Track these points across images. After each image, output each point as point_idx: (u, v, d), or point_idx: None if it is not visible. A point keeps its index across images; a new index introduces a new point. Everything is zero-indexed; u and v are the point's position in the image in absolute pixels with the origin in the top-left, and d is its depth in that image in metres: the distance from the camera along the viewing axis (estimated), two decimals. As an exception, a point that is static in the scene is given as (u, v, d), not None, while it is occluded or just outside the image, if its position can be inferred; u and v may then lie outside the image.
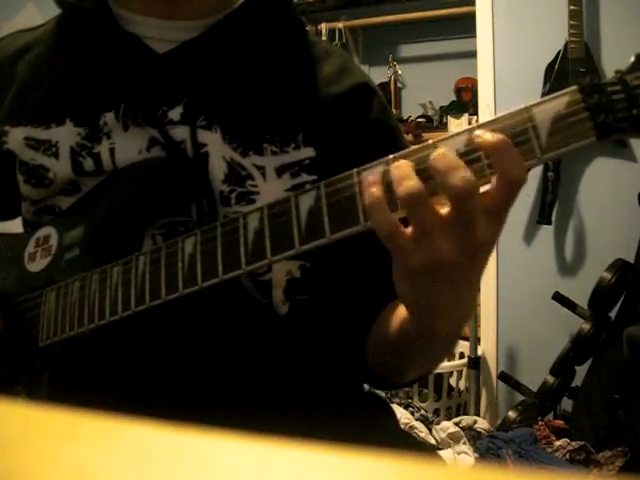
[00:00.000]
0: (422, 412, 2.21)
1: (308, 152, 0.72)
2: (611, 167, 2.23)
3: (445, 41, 2.87)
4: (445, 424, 2.06)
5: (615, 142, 2.14)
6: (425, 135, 2.59)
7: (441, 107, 2.82)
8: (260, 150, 0.71)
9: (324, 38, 2.71)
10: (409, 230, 0.50)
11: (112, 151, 0.71)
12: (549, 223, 2.27)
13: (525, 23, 2.32)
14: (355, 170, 0.54)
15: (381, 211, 0.50)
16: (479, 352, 2.33)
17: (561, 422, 2.06)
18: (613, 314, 2.09)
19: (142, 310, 0.63)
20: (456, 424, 2.08)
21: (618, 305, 2.07)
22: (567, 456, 1.86)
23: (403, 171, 0.50)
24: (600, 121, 0.48)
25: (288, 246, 0.56)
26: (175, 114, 0.71)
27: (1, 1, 2.90)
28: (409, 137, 2.58)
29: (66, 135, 0.72)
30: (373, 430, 0.75)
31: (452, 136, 0.51)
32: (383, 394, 1.97)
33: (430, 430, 2.06)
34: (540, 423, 2.01)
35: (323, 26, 2.77)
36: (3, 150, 0.75)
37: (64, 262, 0.70)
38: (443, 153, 0.49)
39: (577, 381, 2.14)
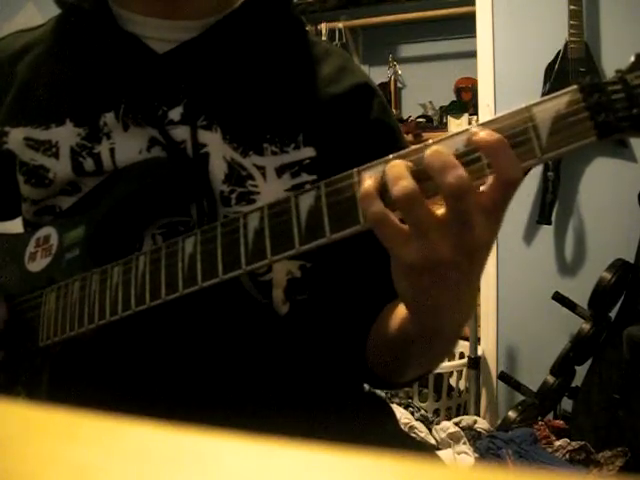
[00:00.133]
0: (422, 412, 2.21)
1: (308, 152, 0.72)
2: (611, 167, 2.23)
3: (445, 41, 2.87)
4: (445, 424, 2.06)
5: (615, 142, 2.14)
6: (425, 135, 2.59)
7: (441, 107, 2.82)
8: (260, 150, 0.71)
9: (324, 38, 2.71)
10: (405, 225, 0.51)
11: (112, 151, 0.71)
12: (549, 223, 2.27)
13: (525, 23, 2.32)
14: (355, 170, 0.54)
15: (370, 201, 0.51)
16: (479, 352, 2.33)
17: (561, 422, 2.06)
18: (613, 314, 2.09)
19: (142, 310, 0.63)
20: (456, 424, 2.08)
21: (618, 305, 2.07)
22: (567, 456, 1.86)
23: (397, 171, 0.50)
24: (600, 121, 0.48)
25: (288, 246, 0.56)
26: (175, 114, 0.71)
27: (1, 1, 2.90)
28: (409, 137, 2.58)
29: (66, 135, 0.72)
30: (373, 430, 0.75)
31: (451, 136, 0.51)
32: (383, 394, 1.97)
33: (430, 430, 2.06)
34: (540, 423, 2.01)
35: (323, 26, 2.77)
36: (3, 150, 0.75)
37: (64, 262, 0.70)
38: (437, 151, 0.49)
39: (577, 381, 2.14)
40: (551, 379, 2.13)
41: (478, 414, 2.30)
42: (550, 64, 2.24)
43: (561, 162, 2.23)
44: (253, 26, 0.75)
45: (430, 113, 2.84)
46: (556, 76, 2.20)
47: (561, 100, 0.49)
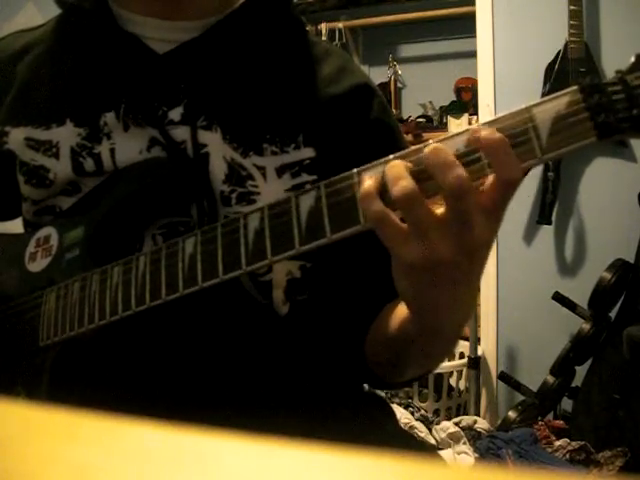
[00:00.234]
0: (422, 412, 2.21)
1: (308, 152, 0.72)
2: (611, 167, 2.23)
3: (445, 41, 2.87)
4: (445, 424, 2.06)
5: (615, 142, 2.14)
6: (425, 135, 2.59)
7: (441, 107, 2.82)
8: (260, 150, 0.71)
9: (324, 38, 2.71)
10: (405, 224, 0.51)
11: (112, 151, 0.71)
12: (549, 223, 2.27)
13: (525, 23, 2.32)
14: (355, 170, 0.54)
15: (370, 201, 0.51)
16: (479, 352, 2.33)
17: (561, 422, 2.06)
18: (613, 314, 2.09)
19: (142, 310, 0.63)
20: (456, 424, 2.08)
21: (618, 305, 2.07)
22: (567, 456, 1.86)
23: (396, 171, 0.50)
24: (600, 121, 0.48)
25: (288, 246, 0.56)
26: (175, 114, 0.71)
27: (1, 1, 2.90)
28: (409, 137, 2.58)
29: (66, 135, 0.72)
30: (373, 430, 0.75)
31: (452, 136, 0.51)
32: (383, 394, 1.97)
33: (430, 430, 2.06)
34: (540, 423, 2.01)
35: (323, 26, 2.77)
36: (3, 150, 0.75)
37: (64, 262, 0.70)
38: (438, 149, 0.49)
39: (577, 381, 2.14)
40: (551, 379, 2.13)
41: (478, 414, 2.30)
42: (550, 64, 2.24)
43: (561, 162, 2.23)
44: (253, 26, 0.75)
45: (430, 113, 2.85)
46: (556, 76, 2.20)
47: (561, 101, 0.49)
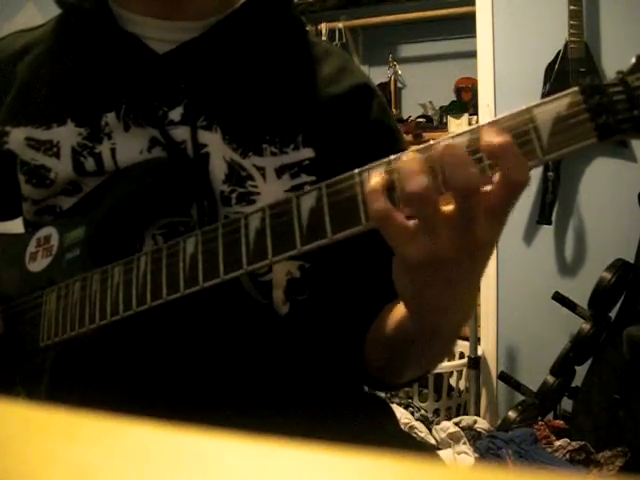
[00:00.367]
0: (422, 412, 2.21)
1: (307, 153, 0.72)
2: (611, 167, 2.23)
3: (445, 41, 2.87)
4: (445, 424, 2.06)
5: (615, 142, 2.14)
6: (425, 135, 2.59)
7: (441, 107, 2.82)
8: (260, 151, 0.71)
9: (324, 38, 2.71)
10: (410, 221, 0.50)
11: (113, 151, 0.71)
12: (549, 223, 2.27)
13: (525, 23, 2.33)
14: (356, 171, 0.54)
15: (376, 199, 0.50)
16: (479, 352, 2.33)
17: (561, 422, 2.06)
18: (613, 314, 2.09)
19: (143, 310, 0.63)
20: (456, 424, 2.08)
21: (618, 305, 2.07)
22: (567, 456, 1.86)
23: (413, 166, 0.49)
24: (601, 122, 0.48)
25: (289, 246, 0.56)
26: (176, 114, 0.71)
27: (1, 1, 2.90)
28: (409, 137, 2.58)
29: (67, 135, 0.72)
30: (373, 430, 0.75)
31: (452, 137, 0.51)
32: (383, 394, 1.97)
33: (430, 430, 2.06)
34: (540, 423, 2.01)
35: (323, 26, 2.77)
36: (4, 150, 0.75)
37: (65, 262, 0.70)
38: (451, 146, 0.49)
39: (577, 381, 2.14)
40: (551, 379, 2.13)
41: (478, 414, 2.30)
42: (550, 64, 2.24)
43: (561, 162, 2.23)
44: (253, 26, 0.75)
45: (430, 113, 2.85)
46: (556, 76, 2.20)
47: (562, 102, 0.49)
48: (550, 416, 2.15)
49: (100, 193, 0.71)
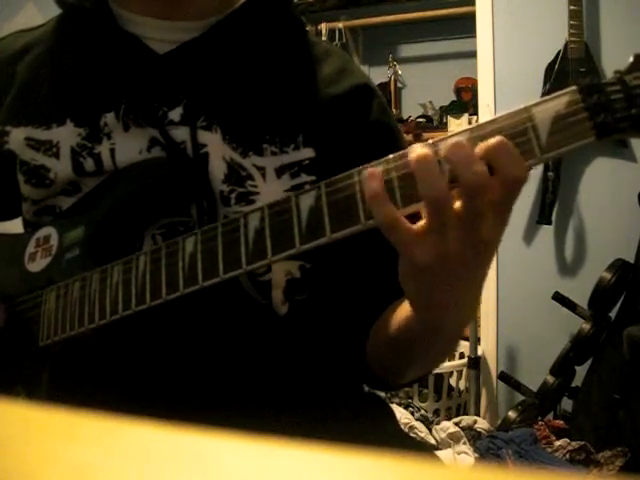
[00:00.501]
0: (422, 412, 2.21)
1: (308, 153, 0.72)
2: (611, 167, 2.23)
3: (445, 41, 2.87)
4: (445, 424, 2.06)
5: (615, 142, 2.14)
6: (425, 135, 2.59)
7: (441, 107, 2.82)
8: (260, 150, 0.71)
9: (324, 38, 2.71)
10: (416, 225, 0.50)
11: (112, 151, 0.71)
12: (549, 223, 2.27)
13: (525, 23, 2.32)
14: (356, 170, 0.54)
15: (381, 203, 0.50)
16: (479, 352, 2.33)
17: (561, 422, 2.06)
18: (613, 314, 2.09)
19: (142, 310, 0.63)
20: (456, 424, 2.08)
21: (618, 305, 2.07)
22: (567, 456, 1.86)
23: (429, 168, 0.49)
24: (599, 121, 0.48)
25: (289, 245, 0.56)
26: (175, 115, 0.71)
27: (1, 1, 2.90)
28: (409, 137, 2.58)
29: (67, 135, 0.72)
30: (373, 430, 0.75)
31: (452, 136, 0.51)
32: (383, 394, 1.97)
33: (430, 430, 2.06)
34: (540, 423, 2.01)
35: (323, 26, 2.77)
36: (4, 150, 0.75)
37: (64, 262, 0.70)
38: (459, 144, 0.49)
39: (577, 381, 2.14)
40: (551, 379, 2.13)
41: (478, 414, 2.30)
42: (550, 64, 2.24)
43: (561, 162, 2.23)
44: (253, 27, 0.75)
45: (430, 113, 2.84)
46: (556, 76, 2.20)
47: (560, 100, 0.50)
48: (550, 416, 2.15)
49: (99, 193, 0.71)
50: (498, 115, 0.51)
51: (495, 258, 2.37)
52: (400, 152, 0.52)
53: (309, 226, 0.55)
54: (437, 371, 2.19)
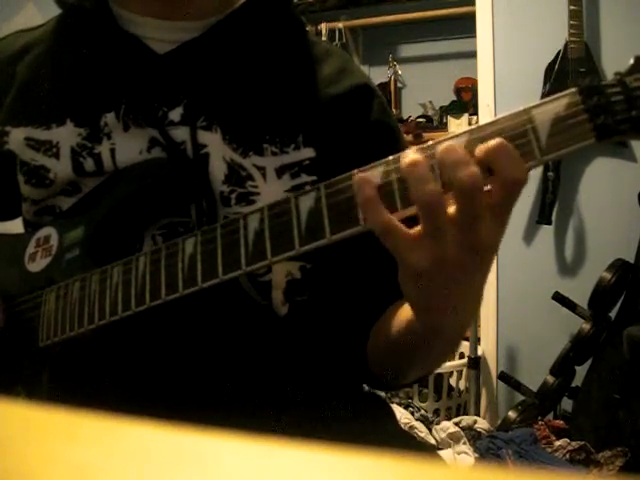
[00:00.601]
0: (422, 412, 2.21)
1: (308, 153, 0.72)
2: (611, 167, 2.23)
3: (445, 41, 2.87)
4: (445, 424, 2.06)
5: (615, 142, 2.14)
6: (425, 135, 2.59)
7: (441, 107, 2.82)
8: (260, 151, 0.71)
9: (324, 38, 2.71)
10: (412, 229, 0.50)
11: (113, 151, 0.71)
12: (549, 223, 2.27)
13: (525, 23, 2.32)
14: (356, 171, 0.54)
15: (374, 210, 0.50)
16: (479, 352, 2.33)
17: (561, 422, 2.06)
18: (613, 314, 2.09)
19: (142, 310, 0.63)
20: (456, 424, 2.08)
21: (618, 305, 2.07)
22: (567, 456, 1.86)
23: (421, 172, 0.49)
24: (599, 123, 0.48)
25: (288, 247, 0.56)
26: (175, 115, 0.71)
27: (1, 1, 2.90)
28: (409, 137, 2.58)
29: (67, 135, 0.72)
30: (373, 430, 0.75)
31: (452, 137, 0.51)
32: (383, 394, 1.97)
33: (430, 430, 2.06)
34: (540, 423, 2.01)
35: (323, 26, 2.77)
36: (4, 150, 0.75)
37: (64, 262, 0.70)
38: (450, 147, 0.49)
39: (577, 381, 2.14)
40: (551, 379, 2.13)
41: (478, 414, 2.30)
42: (550, 64, 2.24)
43: (561, 162, 2.23)
44: (253, 26, 0.75)
45: (430, 113, 2.84)
46: (556, 76, 2.20)
47: (560, 102, 0.50)
48: (550, 416, 2.15)
49: (99, 193, 0.71)
50: (498, 117, 0.51)
51: (495, 258, 2.37)
52: (399, 154, 0.52)
53: (309, 227, 0.55)
54: (437, 371, 2.19)
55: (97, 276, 0.66)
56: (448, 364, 2.32)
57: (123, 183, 0.70)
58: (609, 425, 1.93)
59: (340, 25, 2.79)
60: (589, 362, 2.09)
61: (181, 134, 0.70)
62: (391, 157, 0.52)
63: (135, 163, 0.70)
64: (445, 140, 0.51)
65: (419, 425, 2.05)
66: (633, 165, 2.22)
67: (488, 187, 0.50)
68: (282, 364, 0.74)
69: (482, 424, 2.13)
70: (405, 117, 2.86)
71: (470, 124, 2.54)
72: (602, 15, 2.24)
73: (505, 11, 2.35)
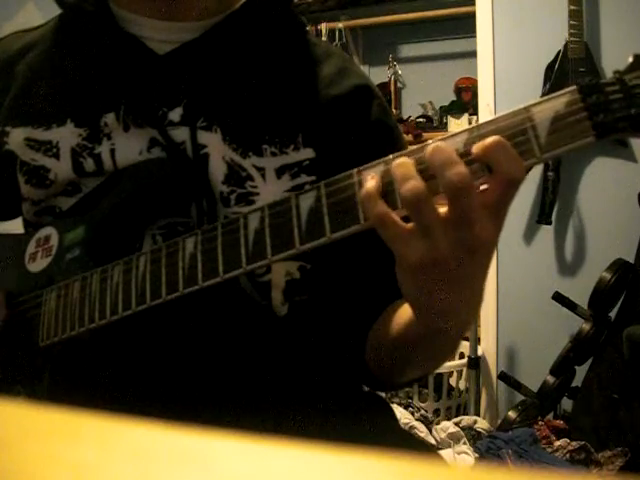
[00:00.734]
0: (422, 412, 2.21)
1: (308, 153, 0.72)
2: (611, 167, 2.23)
3: (445, 41, 2.87)
4: (445, 424, 2.06)
5: (615, 142, 2.14)
6: (425, 135, 2.59)
7: (441, 107, 2.82)
8: (260, 151, 0.71)
9: (324, 38, 2.71)
10: (408, 224, 0.51)
11: (113, 152, 0.71)
12: (549, 223, 2.27)
13: (525, 23, 2.32)
14: (355, 170, 0.54)
15: (373, 202, 0.51)
16: (479, 352, 2.33)
17: (561, 422, 2.06)
18: (613, 314, 2.09)
19: (142, 310, 0.63)
20: (456, 424, 2.08)
21: (618, 305, 2.07)
22: (567, 456, 1.86)
23: (406, 170, 0.50)
24: (599, 121, 0.48)
25: (288, 246, 0.56)
26: (175, 115, 0.71)
27: (1, 1, 2.90)
28: (409, 137, 2.58)
29: (67, 136, 0.72)
30: (373, 430, 0.75)
31: (451, 136, 0.51)
32: (383, 394, 1.97)
33: (430, 430, 2.06)
34: (540, 423, 2.01)
35: (323, 26, 2.77)
36: (4, 151, 0.75)
37: (65, 262, 0.70)
38: (438, 147, 0.49)
39: (577, 381, 2.14)
40: (551, 379, 2.13)
41: (478, 414, 2.30)
42: (550, 64, 2.24)
43: (561, 162, 2.23)
44: (253, 27, 0.75)
45: (430, 113, 2.84)
46: (556, 76, 2.20)
47: (560, 100, 0.50)
48: (550, 416, 2.15)
49: (100, 193, 0.71)
50: (497, 115, 0.51)
51: (495, 258, 2.37)
52: (399, 153, 0.53)
53: (309, 226, 0.55)
54: (437, 371, 2.19)
55: (97, 276, 0.66)
56: (448, 364, 2.32)
57: (123, 183, 0.70)
58: (609, 425, 1.93)
59: (340, 25, 2.79)
60: (589, 362, 2.09)
61: (181, 134, 0.70)
62: (391, 155, 0.53)
63: (135, 163, 0.70)
64: (445, 139, 0.51)
65: (419, 425, 2.05)
66: (633, 165, 2.22)
67: (485, 186, 0.50)
68: (282, 364, 0.74)
69: (482, 424, 2.13)
70: (405, 117, 2.86)
71: (470, 124, 2.54)
72: (602, 15, 2.24)
73: (505, 11, 2.35)
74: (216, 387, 0.71)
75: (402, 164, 0.51)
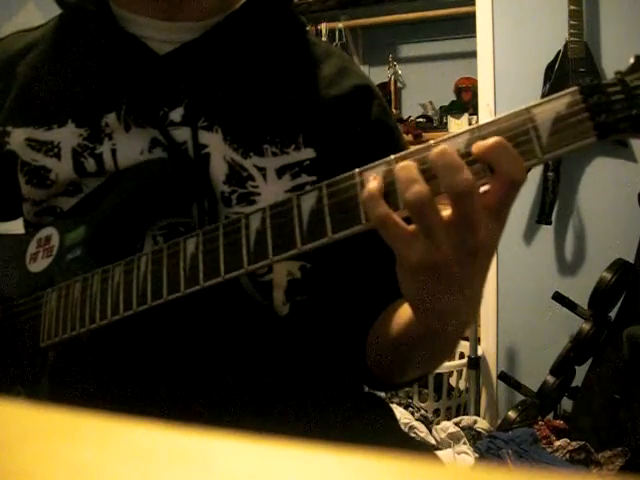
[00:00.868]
0: (422, 412, 2.21)
1: (308, 153, 0.72)
2: (611, 167, 2.23)
3: (445, 41, 2.87)
4: (445, 424, 2.06)
5: (615, 142, 2.14)
6: (425, 135, 2.59)
7: (441, 107, 2.82)
8: (261, 151, 0.71)
9: (324, 38, 2.71)
10: (410, 226, 0.51)
11: (114, 152, 0.71)
12: (549, 223, 2.27)
13: (525, 23, 2.32)
14: (357, 170, 0.54)
15: (375, 203, 0.51)
16: (479, 352, 2.33)
17: (561, 422, 2.06)
18: (613, 314, 2.09)
19: (143, 310, 0.63)
20: (456, 424, 2.08)
21: (618, 305, 2.07)
22: (567, 456, 1.86)
23: (409, 174, 0.50)
24: (600, 121, 0.48)
25: (290, 246, 0.56)
26: (176, 115, 0.71)
27: (1, 1, 2.90)
28: (409, 137, 2.58)
29: (68, 136, 0.72)
30: (373, 430, 0.75)
31: (452, 136, 0.51)
32: (383, 394, 1.97)
33: (430, 430, 2.06)
34: (540, 423, 2.01)
35: (323, 26, 2.77)
36: (5, 151, 0.75)
37: (66, 262, 0.70)
38: (444, 151, 0.49)
39: (577, 381, 2.14)
40: (551, 379, 2.13)
41: (478, 414, 2.30)
42: (550, 64, 2.24)
43: (561, 162, 2.23)
44: (254, 27, 0.75)
45: (430, 113, 2.84)
46: (556, 76, 2.20)
47: (561, 101, 0.50)
48: (550, 416, 2.15)
49: (101, 194, 0.71)
50: (499, 116, 0.51)
51: (495, 258, 2.37)
52: (401, 153, 0.53)
53: (310, 227, 0.55)
54: (437, 371, 2.19)
55: (98, 276, 0.66)
56: (448, 364, 2.32)
57: (124, 183, 0.70)
58: (609, 425, 1.93)
59: (340, 25, 2.79)
60: (589, 362, 2.09)
61: (182, 134, 0.70)
62: (393, 156, 0.53)
63: (136, 163, 0.70)
64: (446, 140, 0.51)
65: (419, 425, 2.05)
66: (633, 165, 2.22)
67: (486, 187, 0.50)
68: (283, 364, 0.74)
69: (482, 424, 2.13)
70: (405, 117, 2.86)
71: (470, 124, 2.54)
72: (602, 15, 2.24)
73: (505, 11, 2.35)
74: (217, 387, 0.71)
75: (405, 167, 0.50)
